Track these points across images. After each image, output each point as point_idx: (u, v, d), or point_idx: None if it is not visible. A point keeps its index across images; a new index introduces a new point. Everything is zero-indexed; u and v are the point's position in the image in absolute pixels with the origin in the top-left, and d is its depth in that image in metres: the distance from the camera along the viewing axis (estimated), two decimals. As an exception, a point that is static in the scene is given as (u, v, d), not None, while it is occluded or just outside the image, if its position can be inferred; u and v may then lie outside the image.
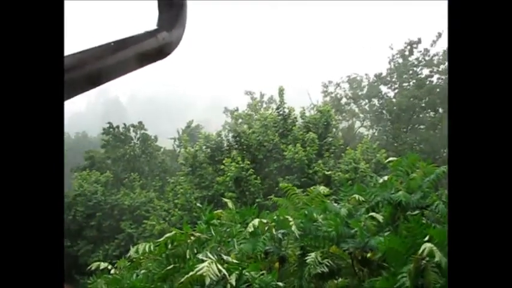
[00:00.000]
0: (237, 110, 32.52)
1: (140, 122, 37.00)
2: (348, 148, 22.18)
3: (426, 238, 4.06)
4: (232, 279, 4.38)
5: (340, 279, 5.55)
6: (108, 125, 36.17)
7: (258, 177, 20.64)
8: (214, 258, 4.54)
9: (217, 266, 4.31)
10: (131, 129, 36.66)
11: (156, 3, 1.17)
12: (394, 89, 32.62)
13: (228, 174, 20.40)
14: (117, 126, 36.21)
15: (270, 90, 34.38)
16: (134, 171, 33.25)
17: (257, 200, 19.30)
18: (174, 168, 32.88)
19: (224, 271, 4.38)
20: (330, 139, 22.81)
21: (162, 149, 38.06)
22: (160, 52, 1.11)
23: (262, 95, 35.17)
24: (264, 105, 33.24)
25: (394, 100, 32.18)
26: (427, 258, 3.93)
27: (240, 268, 4.62)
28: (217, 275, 4.29)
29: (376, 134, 32.71)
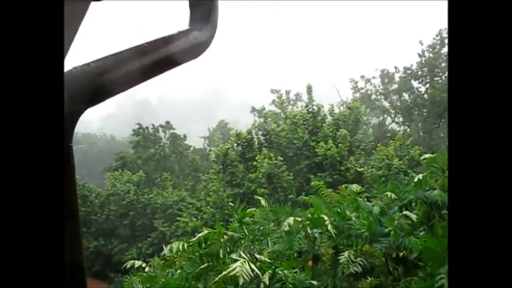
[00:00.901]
0: (264, 108, 32.57)
1: (168, 122, 37.38)
2: (379, 145, 21.91)
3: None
4: (266, 278, 4.40)
5: (372, 278, 5.49)
6: (138, 126, 36.73)
7: (291, 174, 20.62)
8: (247, 258, 4.56)
9: (250, 266, 4.33)
10: (160, 129, 37.11)
11: (187, 3, 1.18)
12: (425, 84, 31.97)
13: (261, 170, 20.47)
14: (147, 127, 36.73)
15: (297, 87, 34.29)
16: (165, 171, 33.68)
17: (290, 197, 19.33)
18: (205, 167, 33.18)
19: (257, 270, 4.40)
20: (361, 136, 22.60)
21: (191, 148, 38.42)
22: (193, 52, 1.11)
23: (288, 92, 35.08)
24: (291, 103, 33.15)
25: (425, 95, 31.55)
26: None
27: (273, 267, 4.63)
28: (250, 275, 4.31)
29: (408, 130, 32.13)
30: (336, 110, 24.89)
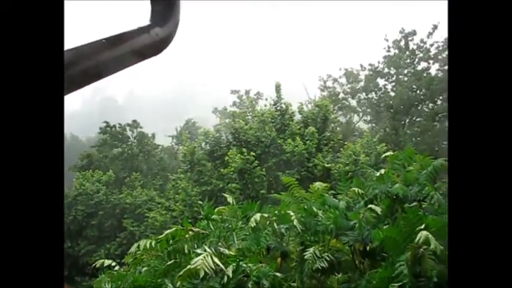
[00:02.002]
0: (225, 109, 32.60)
1: (135, 121, 36.76)
2: (346, 143, 22.26)
3: (422, 226, 4.13)
4: (229, 271, 4.44)
5: (340, 275, 5.59)
6: (105, 124, 36.00)
7: (263, 169, 20.70)
8: (210, 252, 4.59)
9: (212, 259, 4.36)
10: (127, 128, 36.48)
11: None
12: (391, 82, 32.60)
13: (233, 165, 20.46)
14: (114, 126, 36.04)
15: (266, 86, 34.41)
16: (132, 170, 33.21)
17: (261, 192, 19.42)
18: (173, 166, 32.88)
19: (219, 263, 4.43)
20: (329, 134, 22.89)
21: (160, 147, 37.98)
22: (154, 48, 1.09)
23: (247, 92, 35.25)
24: (254, 103, 33.18)
25: (392, 93, 32.18)
26: (424, 247, 4.01)
27: (237, 260, 4.67)
28: (212, 268, 4.34)
29: (375, 127, 32.71)
30: (305, 109, 25.14)
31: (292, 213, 5.34)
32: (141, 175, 32.60)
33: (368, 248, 5.28)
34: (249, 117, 24.76)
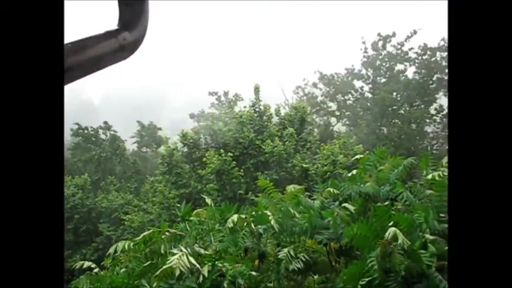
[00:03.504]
0: (203, 111, 32.46)
1: (106, 123, 35.89)
2: (322, 144, 22.46)
3: (391, 223, 4.28)
4: (205, 271, 4.48)
5: (317, 276, 5.67)
6: (76, 126, 35.04)
7: (241, 170, 20.72)
8: (186, 252, 4.62)
9: (188, 259, 4.40)
10: (100, 130, 35.69)
11: (116, 3, 1.16)
12: (368, 84, 33.03)
13: (210, 166, 20.42)
14: (86, 128, 35.21)
15: (243, 88, 34.35)
16: (106, 173, 32.67)
17: (239, 192, 19.43)
18: (148, 169, 32.53)
19: (195, 263, 4.47)
20: (306, 135, 23.07)
21: (131, 150, 37.34)
22: (122, 52, 1.10)
23: (226, 94, 35.14)
24: (240, 103, 33.17)
25: (369, 95, 32.60)
26: (394, 243, 4.15)
27: (213, 260, 4.71)
28: (188, 267, 4.37)
29: (352, 129, 33.04)
30: (282, 111, 25.33)
31: (269, 214, 5.41)
32: (115, 178, 32.14)
33: (343, 247, 5.40)
34: (227, 118, 24.75)
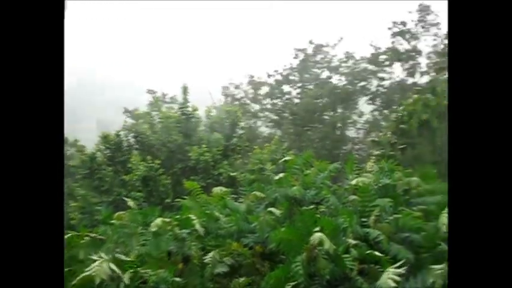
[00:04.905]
0: (137, 109, 31.43)
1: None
2: (255, 147, 22.48)
3: (317, 228, 4.33)
4: (126, 278, 4.30)
5: (244, 278, 5.64)
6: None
7: (168, 178, 20.20)
8: (107, 258, 4.41)
9: (109, 265, 4.20)
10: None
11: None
12: (296, 89, 33.89)
13: (136, 173, 19.71)
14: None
15: (173, 89, 33.81)
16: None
17: (166, 201, 18.92)
18: (69, 172, 31.00)
19: (117, 270, 4.28)
20: (236, 139, 23.00)
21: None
22: None
23: (164, 95, 34.46)
24: (167, 105, 32.57)
25: (296, 100, 33.43)
26: (319, 248, 4.20)
27: (135, 266, 4.54)
28: (109, 275, 4.17)
29: (278, 133, 33.62)
30: (211, 113, 25.06)
31: (193, 218, 5.31)
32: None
33: (268, 251, 5.41)
34: (154, 120, 24.04)
